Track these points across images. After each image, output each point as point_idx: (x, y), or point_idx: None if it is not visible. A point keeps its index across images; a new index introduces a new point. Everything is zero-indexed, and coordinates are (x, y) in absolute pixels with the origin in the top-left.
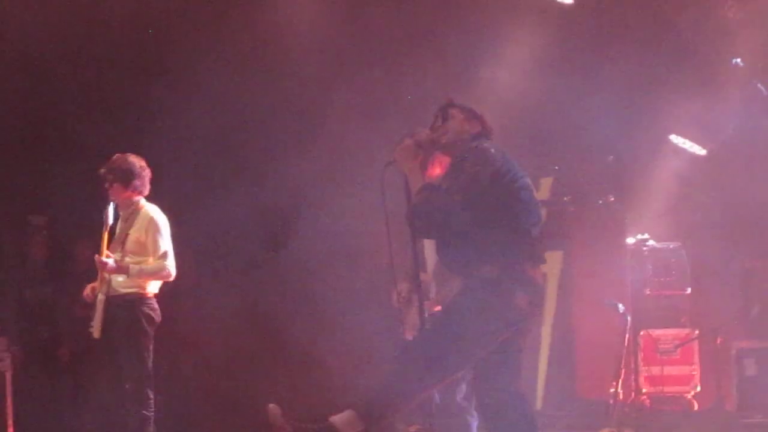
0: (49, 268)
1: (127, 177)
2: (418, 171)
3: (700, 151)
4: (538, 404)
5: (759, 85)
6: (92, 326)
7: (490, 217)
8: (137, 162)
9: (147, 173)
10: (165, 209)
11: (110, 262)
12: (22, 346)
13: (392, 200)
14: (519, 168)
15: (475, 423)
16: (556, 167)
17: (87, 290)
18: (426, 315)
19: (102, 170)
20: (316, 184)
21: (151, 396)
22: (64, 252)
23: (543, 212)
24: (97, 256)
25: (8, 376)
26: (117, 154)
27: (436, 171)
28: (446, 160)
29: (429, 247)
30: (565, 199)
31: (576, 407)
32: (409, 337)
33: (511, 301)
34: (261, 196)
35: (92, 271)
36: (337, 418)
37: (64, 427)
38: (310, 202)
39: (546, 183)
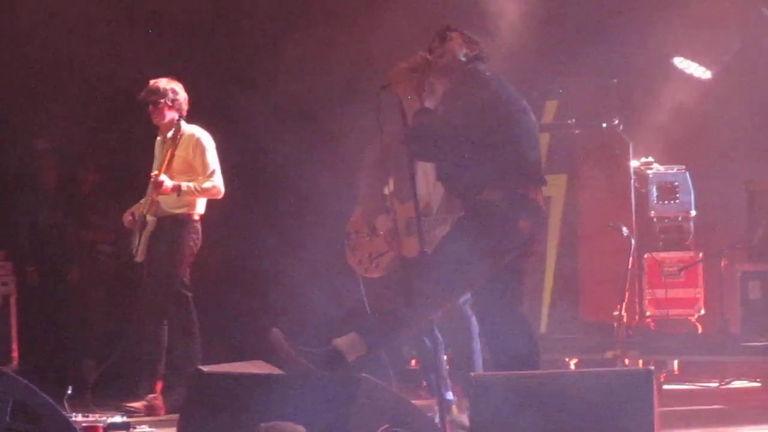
0: (59, 192)
1: (169, 97)
2: (414, 94)
3: (705, 74)
4: (543, 328)
5: (764, 9)
6: (134, 249)
7: (488, 140)
8: (176, 83)
9: (184, 94)
10: None
11: (167, 181)
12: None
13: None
14: (515, 91)
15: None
16: (561, 90)
17: (127, 215)
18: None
19: (142, 93)
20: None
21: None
22: (72, 176)
23: (546, 135)
24: (154, 174)
25: (13, 299)
26: (153, 79)
27: (433, 94)
28: (443, 82)
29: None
30: (570, 122)
31: (580, 330)
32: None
33: (513, 224)
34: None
35: (99, 193)
36: (341, 341)
37: (70, 350)
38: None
39: (551, 106)
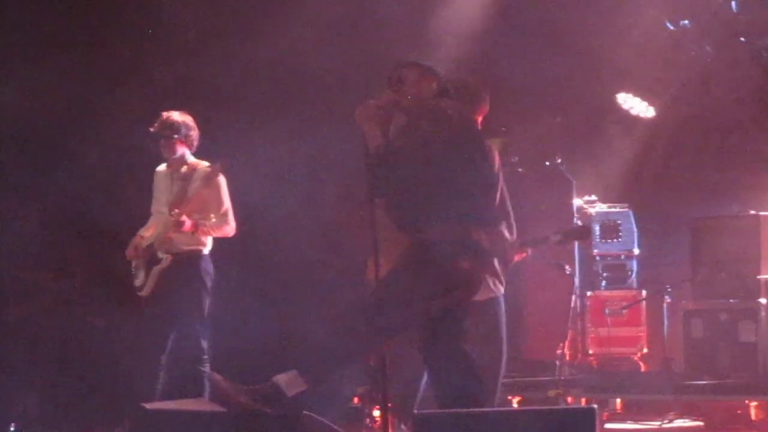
0: None
1: (183, 132)
2: (376, 129)
3: (648, 111)
4: None
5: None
6: (140, 283)
7: (440, 177)
8: (188, 117)
9: (197, 129)
10: None
11: (188, 220)
12: None
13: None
14: (477, 131)
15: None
16: (504, 129)
17: (131, 248)
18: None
19: (154, 126)
20: None
21: (206, 352)
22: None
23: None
24: (176, 213)
25: None
26: (164, 112)
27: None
28: (403, 118)
29: None
30: (513, 160)
31: (524, 368)
32: None
33: (459, 263)
34: None
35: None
36: (280, 377)
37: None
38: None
39: (495, 143)
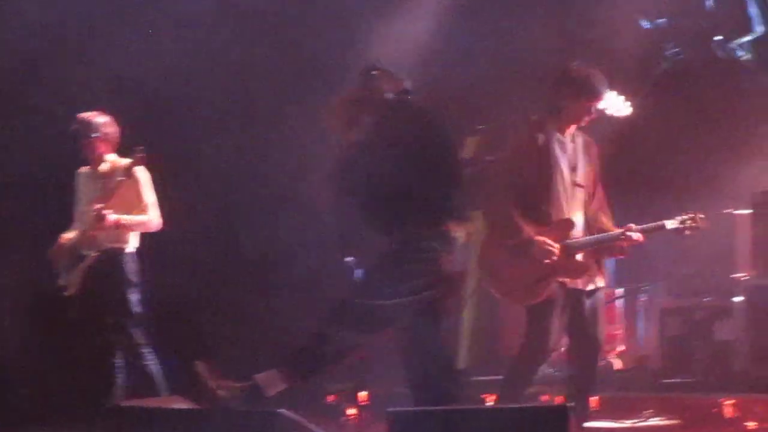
0: None
1: (102, 131)
2: (346, 128)
3: (625, 110)
4: (462, 363)
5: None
6: (64, 282)
7: (410, 176)
8: (106, 117)
9: (116, 127)
10: None
11: (110, 215)
12: None
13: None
14: (445, 126)
15: None
16: (481, 127)
17: (53, 249)
18: None
19: (74, 127)
20: None
21: (143, 345)
22: None
23: (467, 171)
24: (97, 208)
25: None
26: (82, 113)
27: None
28: (370, 118)
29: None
30: (490, 159)
31: (501, 366)
32: None
33: (436, 260)
34: None
35: None
36: (260, 376)
37: None
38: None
39: (472, 142)
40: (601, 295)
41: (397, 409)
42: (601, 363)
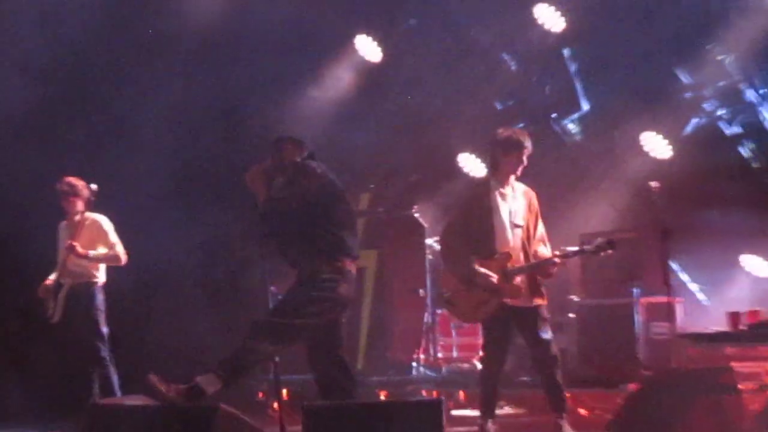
0: None
1: (81, 193)
2: (263, 187)
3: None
4: (359, 366)
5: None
6: (50, 312)
7: (317, 220)
8: (83, 182)
9: (88, 189)
10: None
11: (78, 247)
12: None
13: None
14: (338, 181)
15: None
16: (372, 185)
17: (43, 286)
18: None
19: (60, 186)
20: None
21: (107, 359)
22: None
23: (362, 220)
24: (68, 241)
25: None
26: (66, 178)
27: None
28: (282, 178)
29: None
30: (380, 210)
31: (389, 369)
32: None
33: (334, 290)
34: None
35: None
36: (201, 378)
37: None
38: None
39: (365, 197)
40: (542, 310)
41: (312, 403)
42: (467, 366)
